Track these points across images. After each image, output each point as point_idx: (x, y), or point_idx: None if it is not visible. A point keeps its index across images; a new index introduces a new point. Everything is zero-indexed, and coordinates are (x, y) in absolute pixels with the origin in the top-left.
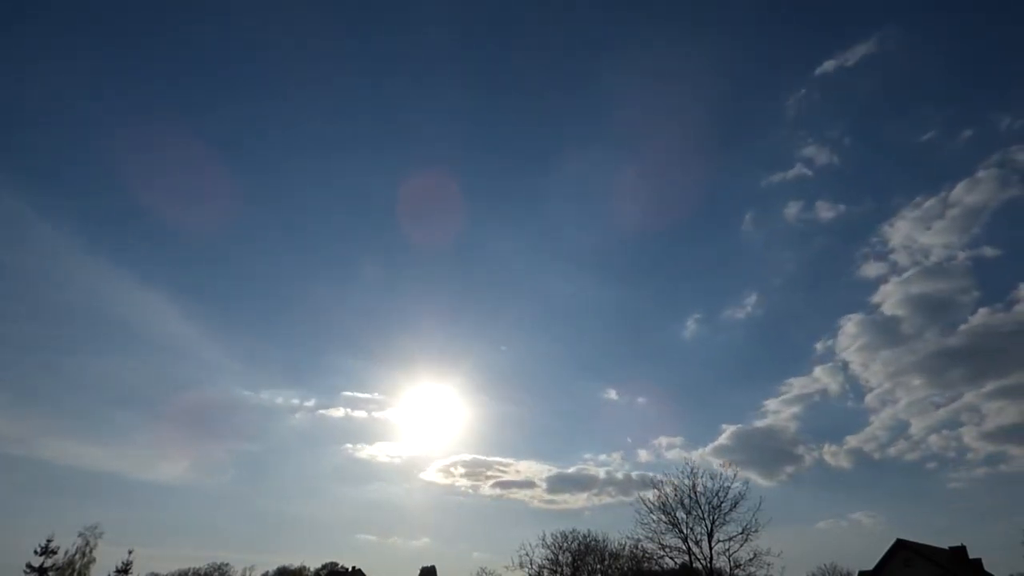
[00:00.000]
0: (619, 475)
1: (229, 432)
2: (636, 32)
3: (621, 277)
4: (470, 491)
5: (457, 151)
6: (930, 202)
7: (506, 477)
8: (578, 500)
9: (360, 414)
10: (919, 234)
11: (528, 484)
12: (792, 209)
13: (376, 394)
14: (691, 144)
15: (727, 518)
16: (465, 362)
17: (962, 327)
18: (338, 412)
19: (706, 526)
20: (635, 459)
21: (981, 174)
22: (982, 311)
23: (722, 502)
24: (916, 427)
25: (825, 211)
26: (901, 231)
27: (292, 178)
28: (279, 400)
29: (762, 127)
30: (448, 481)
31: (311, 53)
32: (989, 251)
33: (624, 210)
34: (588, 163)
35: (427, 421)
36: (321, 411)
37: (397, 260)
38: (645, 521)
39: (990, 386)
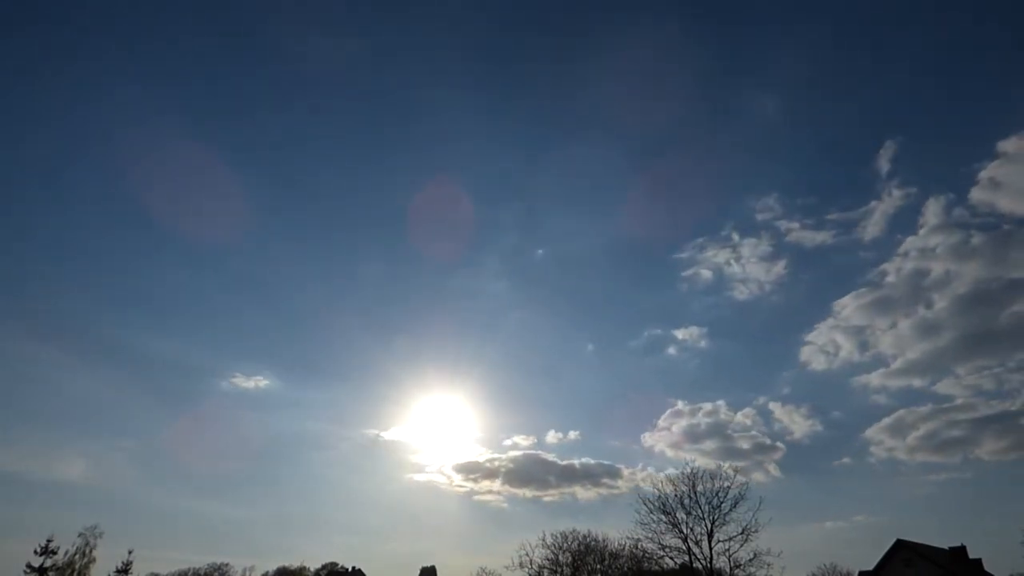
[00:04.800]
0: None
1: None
2: (635, 33)
3: (617, 275)
4: (461, 492)
5: (464, 158)
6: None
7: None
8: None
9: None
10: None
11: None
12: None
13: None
14: (690, 151)
15: (727, 518)
16: (464, 365)
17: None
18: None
19: (706, 526)
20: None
21: None
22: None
23: (722, 502)
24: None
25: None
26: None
27: (297, 187)
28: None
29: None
30: (437, 480)
31: (317, 60)
32: None
33: (625, 212)
34: (584, 166)
35: (420, 422)
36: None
37: (400, 267)
38: (645, 521)
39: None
